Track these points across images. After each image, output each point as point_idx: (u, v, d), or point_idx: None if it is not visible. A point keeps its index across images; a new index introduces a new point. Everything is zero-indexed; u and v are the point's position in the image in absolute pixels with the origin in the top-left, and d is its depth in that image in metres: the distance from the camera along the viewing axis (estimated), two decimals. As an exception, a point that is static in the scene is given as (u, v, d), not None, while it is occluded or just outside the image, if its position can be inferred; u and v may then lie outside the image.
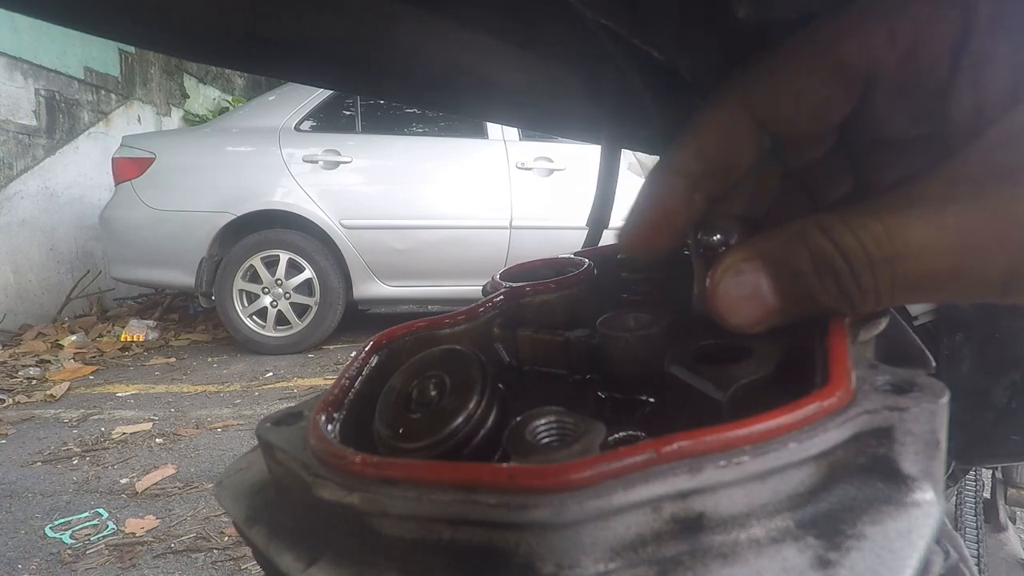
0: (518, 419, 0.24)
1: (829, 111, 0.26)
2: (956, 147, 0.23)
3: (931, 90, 0.24)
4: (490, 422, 0.25)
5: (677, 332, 0.31)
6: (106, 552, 2.20)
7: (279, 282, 4.79)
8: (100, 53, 6.70)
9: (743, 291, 0.25)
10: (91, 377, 4.49)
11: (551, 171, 4.83)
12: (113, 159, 4.99)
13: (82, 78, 6.47)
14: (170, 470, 2.86)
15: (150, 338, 5.43)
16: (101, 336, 5.50)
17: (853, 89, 0.25)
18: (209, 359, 4.89)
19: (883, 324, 0.28)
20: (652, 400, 0.31)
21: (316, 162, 4.79)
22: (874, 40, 0.24)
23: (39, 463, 2.99)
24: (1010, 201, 0.21)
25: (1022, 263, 0.21)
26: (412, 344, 0.32)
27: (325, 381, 4.08)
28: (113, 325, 5.72)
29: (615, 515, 0.19)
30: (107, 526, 2.38)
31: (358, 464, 0.21)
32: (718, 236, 0.29)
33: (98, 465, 2.95)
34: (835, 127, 0.28)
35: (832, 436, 0.21)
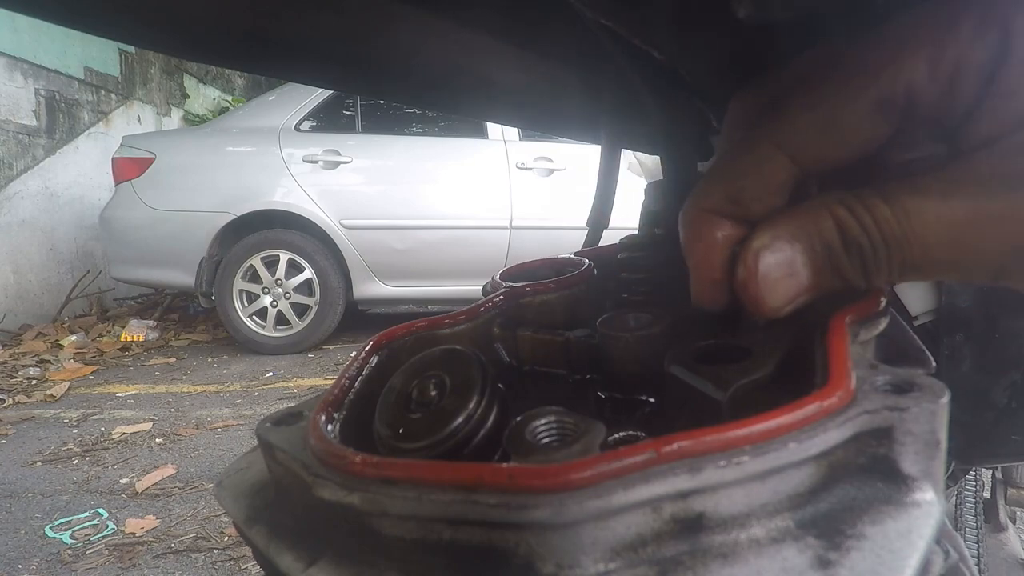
0: (518, 419, 0.24)
1: (867, 146, 0.26)
2: (966, 149, 0.25)
3: (959, 113, 0.25)
4: (490, 422, 0.25)
5: (677, 332, 0.31)
6: (106, 552, 2.20)
7: (279, 282, 4.79)
8: (100, 53, 6.69)
9: (780, 269, 0.25)
10: (91, 377, 4.49)
11: (551, 171, 4.83)
12: (113, 159, 4.99)
13: (82, 78, 6.47)
14: (170, 470, 2.86)
15: (150, 338, 5.43)
16: (101, 336, 5.50)
17: (892, 122, 0.25)
18: (209, 359, 4.89)
19: (883, 324, 0.28)
20: (652, 400, 0.31)
21: (316, 162, 4.79)
22: (915, 71, 0.24)
23: (39, 463, 2.99)
24: (1010, 205, 0.23)
25: (1012, 255, 0.23)
26: (412, 344, 0.32)
27: (325, 381, 4.08)
28: (113, 325, 5.72)
29: (615, 515, 0.19)
30: (107, 526, 2.38)
31: (358, 464, 0.21)
32: None
33: (98, 465, 2.95)
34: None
35: (832, 436, 0.21)
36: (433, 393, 0.27)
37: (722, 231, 0.27)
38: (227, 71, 8.59)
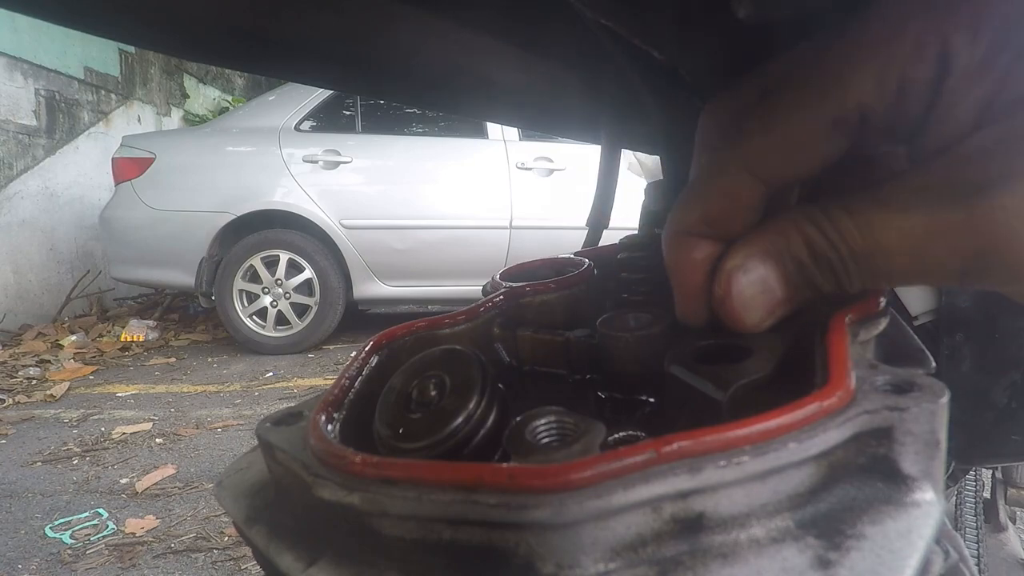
0: (518, 419, 0.24)
1: (827, 159, 0.27)
2: (921, 157, 0.26)
3: (909, 124, 0.25)
4: (490, 422, 0.25)
5: (677, 332, 0.31)
6: (106, 552, 2.20)
7: (279, 282, 4.79)
8: (100, 53, 6.70)
9: (754, 287, 0.27)
10: (91, 377, 4.49)
11: (551, 171, 4.83)
12: (113, 159, 4.99)
13: (82, 78, 6.47)
14: (170, 470, 2.86)
15: (150, 338, 5.43)
16: (101, 336, 5.50)
17: (849, 136, 0.26)
18: (209, 359, 4.89)
19: (883, 324, 0.28)
20: (652, 400, 0.31)
21: (316, 162, 4.79)
22: (863, 88, 0.25)
23: (39, 463, 2.99)
24: (963, 215, 0.23)
25: (974, 262, 0.24)
26: (412, 344, 0.32)
27: (325, 381, 4.08)
28: (113, 325, 5.72)
29: (615, 515, 0.19)
30: (107, 526, 2.38)
31: (358, 464, 0.21)
32: None
33: (98, 465, 2.96)
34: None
35: (832, 436, 0.21)
36: (433, 393, 0.27)
37: (700, 252, 0.28)
38: (227, 71, 8.59)
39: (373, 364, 0.31)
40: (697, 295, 0.29)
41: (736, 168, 0.27)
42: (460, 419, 0.25)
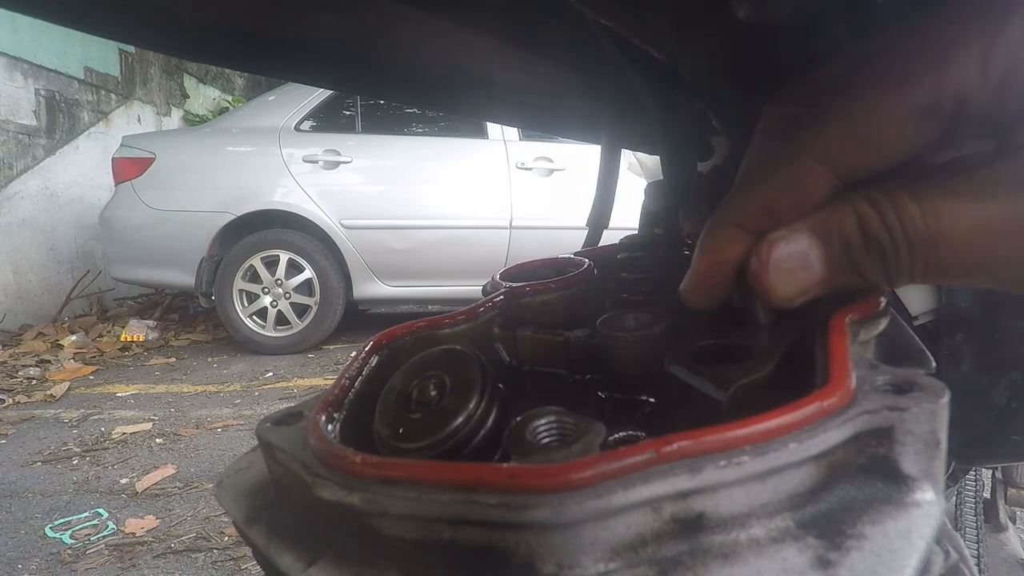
0: (518, 419, 0.24)
1: (911, 153, 0.25)
2: (1014, 148, 0.23)
3: (1010, 116, 0.23)
4: (490, 422, 0.25)
5: (677, 332, 0.31)
6: (106, 552, 2.20)
7: (279, 282, 4.79)
8: (100, 53, 6.69)
9: (793, 261, 0.25)
10: (91, 377, 4.49)
11: (551, 171, 4.83)
12: (113, 159, 4.99)
13: (82, 78, 6.47)
14: (170, 470, 2.85)
15: (150, 338, 5.43)
16: (101, 336, 5.49)
17: (940, 126, 0.24)
18: (209, 359, 4.89)
19: (883, 324, 0.28)
20: (652, 400, 0.31)
21: (316, 162, 4.79)
22: (965, 73, 0.23)
23: (39, 463, 2.99)
24: None
25: None
26: (412, 344, 0.32)
27: (325, 381, 4.08)
28: (113, 325, 5.72)
29: (615, 515, 0.19)
30: (107, 526, 2.38)
31: (358, 464, 0.21)
32: None
33: (98, 465, 2.95)
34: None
35: (832, 436, 0.21)
36: (433, 393, 0.27)
37: (741, 248, 0.26)
38: (227, 71, 8.59)
39: (373, 364, 0.31)
40: (712, 284, 0.27)
41: (807, 158, 0.25)
42: (460, 419, 0.25)
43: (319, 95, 4.88)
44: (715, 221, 0.27)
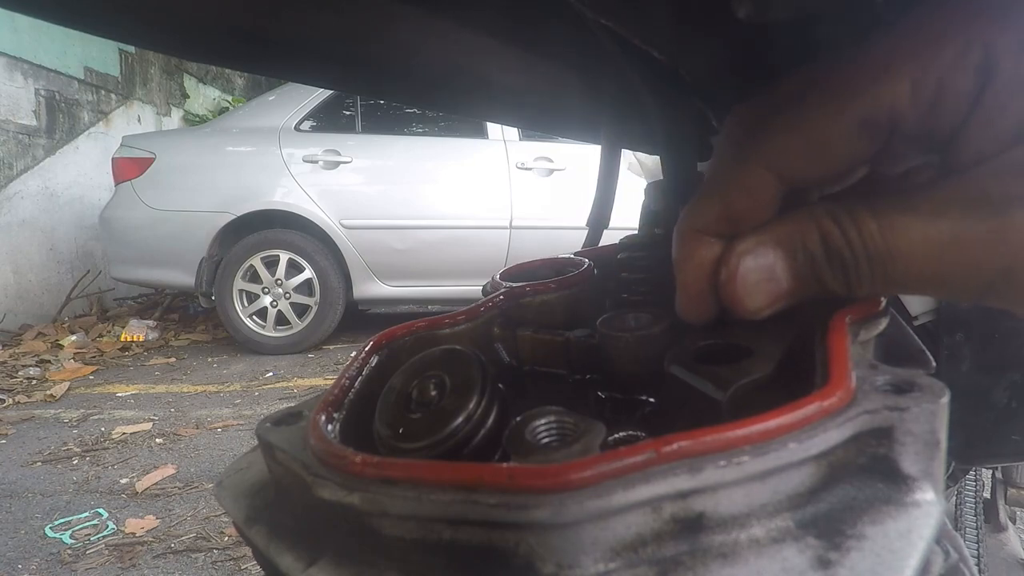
0: (518, 419, 0.24)
1: (852, 163, 0.26)
2: (955, 167, 0.25)
3: (944, 134, 0.25)
4: (490, 422, 0.25)
5: (677, 332, 0.31)
6: (106, 552, 2.20)
7: (279, 282, 4.79)
8: (100, 53, 6.69)
9: (760, 273, 0.26)
10: (91, 377, 4.49)
11: (551, 171, 4.83)
12: (113, 159, 4.99)
13: (82, 78, 6.47)
14: (170, 470, 2.86)
15: (150, 338, 5.43)
16: (101, 336, 5.49)
17: (876, 141, 0.25)
18: (209, 359, 4.89)
19: (883, 324, 0.28)
20: (652, 400, 0.31)
21: (316, 162, 4.79)
22: (897, 93, 0.24)
23: (39, 463, 2.99)
24: (996, 228, 0.23)
25: (999, 278, 0.23)
26: (412, 344, 0.32)
27: (325, 381, 4.08)
28: (113, 325, 5.72)
29: (615, 515, 0.19)
30: (107, 526, 2.38)
31: (358, 464, 0.21)
32: None
33: (98, 465, 2.95)
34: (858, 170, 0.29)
35: (832, 436, 0.21)
36: (433, 393, 0.27)
37: (712, 251, 0.28)
38: (227, 71, 8.59)
39: (373, 364, 0.31)
40: (702, 293, 0.28)
41: (755, 165, 0.27)
42: (460, 419, 0.25)
43: (319, 95, 4.88)
44: (679, 230, 0.29)
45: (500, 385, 0.27)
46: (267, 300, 4.81)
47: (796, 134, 0.26)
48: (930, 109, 0.24)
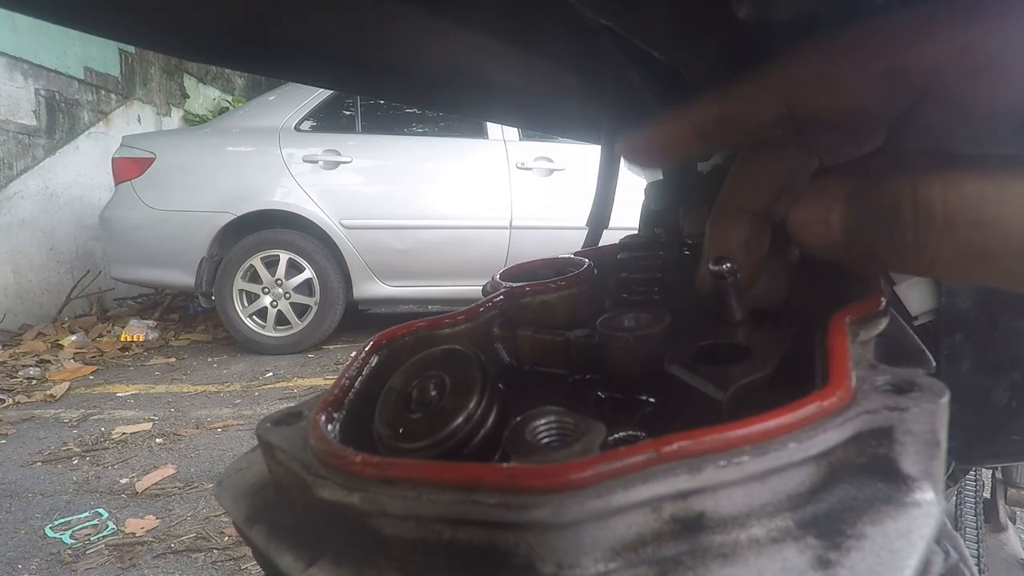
0: (518, 419, 0.24)
1: (868, 110, 0.25)
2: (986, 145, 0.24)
3: (991, 112, 0.23)
4: (490, 422, 0.25)
5: (677, 332, 0.31)
6: (106, 552, 2.20)
7: (279, 282, 4.79)
8: (100, 53, 6.69)
9: (815, 215, 0.25)
10: (91, 377, 4.49)
11: (551, 171, 4.83)
12: (113, 159, 4.99)
13: (82, 78, 6.47)
14: (170, 470, 2.85)
15: (150, 338, 5.43)
16: (101, 336, 5.49)
17: (903, 97, 0.24)
18: (209, 359, 4.89)
19: (883, 324, 0.28)
20: (652, 400, 0.31)
21: (316, 162, 4.79)
22: (946, 55, 0.23)
23: (39, 463, 2.99)
24: None
25: None
26: (412, 344, 0.32)
27: (325, 381, 4.08)
28: (113, 325, 5.72)
29: (615, 515, 0.19)
30: (107, 526, 2.38)
31: (358, 464, 0.21)
32: (727, 265, 0.28)
33: (98, 465, 2.95)
34: (875, 130, 0.28)
35: (832, 436, 0.21)
36: (433, 393, 0.27)
37: (697, 148, 0.28)
38: (227, 71, 8.59)
39: (373, 364, 0.31)
40: (657, 141, 0.28)
41: (771, 81, 0.26)
42: (460, 419, 0.25)
43: (319, 95, 4.88)
44: (670, 118, 0.29)
45: (500, 385, 0.27)
46: (267, 300, 4.81)
47: (817, 64, 0.25)
48: (974, 78, 0.23)
